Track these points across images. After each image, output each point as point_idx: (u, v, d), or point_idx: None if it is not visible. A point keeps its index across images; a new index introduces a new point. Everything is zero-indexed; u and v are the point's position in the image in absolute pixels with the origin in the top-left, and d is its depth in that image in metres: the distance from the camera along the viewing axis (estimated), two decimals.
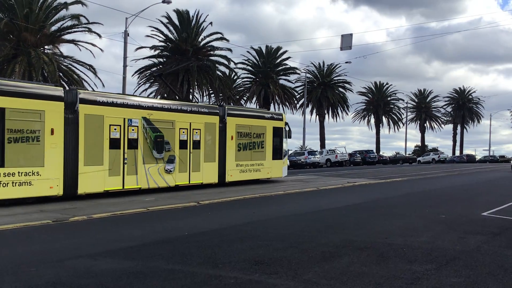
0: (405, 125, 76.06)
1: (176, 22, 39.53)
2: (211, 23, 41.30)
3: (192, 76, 37.85)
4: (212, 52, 41.02)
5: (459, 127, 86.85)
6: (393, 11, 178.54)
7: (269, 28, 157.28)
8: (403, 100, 77.56)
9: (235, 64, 45.30)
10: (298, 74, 55.44)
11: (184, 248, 7.87)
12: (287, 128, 24.32)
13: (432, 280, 5.96)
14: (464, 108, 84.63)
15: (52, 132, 14.08)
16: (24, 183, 13.41)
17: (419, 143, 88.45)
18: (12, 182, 13.13)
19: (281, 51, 51.93)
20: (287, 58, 52.94)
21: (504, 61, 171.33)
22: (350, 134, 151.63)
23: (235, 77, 52.70)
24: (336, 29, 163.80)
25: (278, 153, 23.45)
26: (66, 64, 31.94)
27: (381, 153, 67.92)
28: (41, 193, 13.91)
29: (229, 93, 43.56)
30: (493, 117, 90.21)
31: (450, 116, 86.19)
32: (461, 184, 23.35)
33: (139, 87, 40.09)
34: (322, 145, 60.97)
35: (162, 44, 39.95)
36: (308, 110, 59.75)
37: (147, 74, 39.60)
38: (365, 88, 75.34)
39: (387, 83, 75.81)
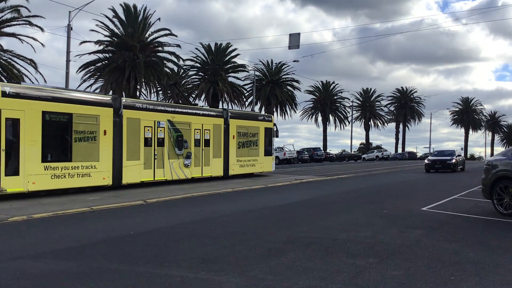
0: (350, 123, 78.03)
1: (123, 16, 38.58)
2: (159, 18, 40.40)
3: (139, 72, 37.09)
4: (160, 48, 40.32)
5: (401, 126, 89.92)
6: (339, 11, 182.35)
7: (218, 25, 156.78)
8: (348, 99, 79.53)
9: (184, 61, 44.78)
10: (247, 71, 55.56)
11: (130, 247, 7.73)
12: (275, 128, 27.91)
13: (374, 273, 6.16)
14: (406, 107, 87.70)
15: (104, 132, 17.20)
16: (85, 175, 16.44)
17: (364, 141, 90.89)
18: (77, 174, 16.17)
19: (230, 49, 51.85)
20: (236, 56, 52.93)
21: (444, 62, 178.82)
22: (298, 132, 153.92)
23: (184, 74, 52.18)
24: (285, 28, 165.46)
25: (268, 150, 27.12)
26: (6, 58, 30.54)
27: (328, 150, 69.23)
28: (97, 183, 16.90)
29: (177, 90, 42.95)
30: (433, 116, 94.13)
31: (393, 114, 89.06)
32: (403, 181, 24.22)
33: (83, 83, 38.86)
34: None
35: (108, 39, 38.90)
36: (257, 108, 60.05)
37: (92, 70, 38.45)
38: (312, 86, 76.59)
39: (333, 82, 77.39)
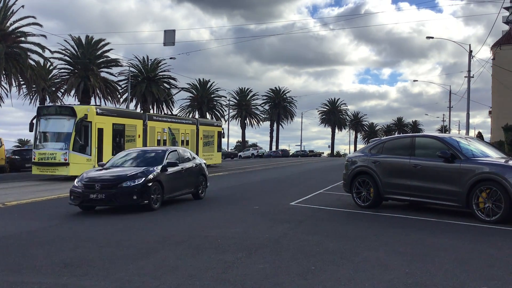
0: (227, 121, 79.19)
1: None
2: (22, 6, 37.29)
3: None
4: (23, 39, 37.21)
5: (275, 124, 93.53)
6: (216, 10, 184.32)
7: (90, 17, 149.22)
8: (225, 98, 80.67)
9: (52, 53, 41.79)
10: (122, 66, 53.68)
11: None
12: (222, 132, 40.03)
13: (242, 268, 6.33)
14: (280, 106, 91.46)
15: (139, 136, 26.95)
16: None
17: (241, 139, 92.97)
18: None
19: (103, 42, 49.54)
20: (109, 50, 50.77)
21: (314, 65, 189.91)
22: None
23: (51, 67, 48.81)
24: (161, 24, 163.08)
25: (220, 148, 39.64)
26: None
27: None
28: None
29: (43, 84, 40.15)
30: (304, 115, 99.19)
31: (268, 113, 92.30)
32: (275, 177, 25.22)
33: None
34: None
35: None
36: (132, 105, 58.29)
37: None
38: (189, 84, 76.38)
39: (210, 81, 77.96)
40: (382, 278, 5.84)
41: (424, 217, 10.69)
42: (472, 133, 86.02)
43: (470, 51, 41.63)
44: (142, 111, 63.12)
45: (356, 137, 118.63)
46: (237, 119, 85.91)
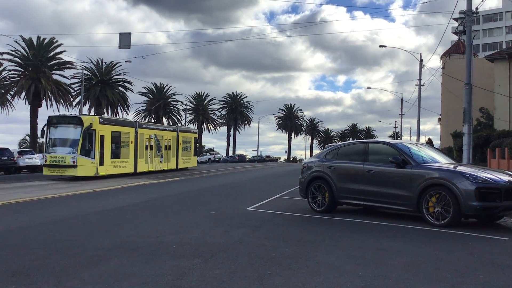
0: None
1: None
2: None
3: None
4: None
5: (232, 129, 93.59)
6: (172, 13, 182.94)
7: (42, 18, 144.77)
8: (182, 102, 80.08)
9: (1, 54, 40.44)
10: (75, 69, 52.37)
11: None
12: (198, 138, 46.34)
13: (197, 274, 6.27)
14: (237, 111, 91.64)
15: (131, 142, 30.36)
16: (123, 166, 29.46)
17: (198, 144, 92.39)
18: (121, 165, 29.16)
19: (55, 44, 48.37)
20: (62, 52, 49.64)
21: (271, 70, 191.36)
22: None
23: (1, 68, 47.04)
24: (117, 26, 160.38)
25: (196, 152, 44.45)
26: None
27: None
28: (127, 171, 29.80)
29: None
30: (261, 120, 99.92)
31: (225, 118, 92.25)
32: (232, 182, 25.19)
33: None
34: None
35: None
36: (86, 108, 56.93)
37: None
38: (146, 88, 75.39)
39: (167, 85, 77.24)
40: (336, 282, 5.93)
41: (377, 221, 10.95)
42: (423, 139, 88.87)
43: (421, 60, 43.11)
44: (95, 115, 62.18)
45: (312, 143, 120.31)
46: (194, 124, 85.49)
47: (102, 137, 27.03)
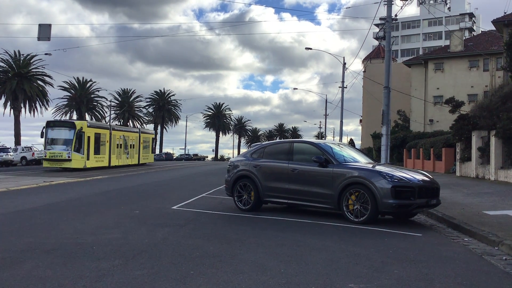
0: (108, 123, 76.06)
1: None
2: None
3: None
4: None
5: (159, 127, 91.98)
6: (96, 6, 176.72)
7: None
8: (106, 99, 77.54)
9: None
10: None
11: None
12: (155, 138, 60.40)
13: (117, 275, 6.09)
14: (164, 109, 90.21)
15: (107, 141, 39.35)
16: (100, 161, 37.98)
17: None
18: (100, 160, 37.93)
19: None
20: None
21: (199, 68, 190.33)
22: None
23: None
24: (36, 17, 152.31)
25: (153, 150, 55.61)
26: None
27: None
28: (104, 165, 38.80)
29: None
30: (189, 119, 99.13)
31: (152, 116, 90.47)
32: (158, 180, 24.77)
33: None
34: (18, 141, 55.65)
35: None
36: (1, 103, 53.58)
37: None
38: (67, 82, 72.21)
39: (91, 80, 74.47)
40: (259, 279, 6.01)
41: (301, 219, 11.22)
42: (345, 139, 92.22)
43: (344, 63, 44.69)
44: (11, 110, 58.71)
45: (239, 142, 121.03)
46: (119, 121, 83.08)
47: (88, 138, 35.52)
